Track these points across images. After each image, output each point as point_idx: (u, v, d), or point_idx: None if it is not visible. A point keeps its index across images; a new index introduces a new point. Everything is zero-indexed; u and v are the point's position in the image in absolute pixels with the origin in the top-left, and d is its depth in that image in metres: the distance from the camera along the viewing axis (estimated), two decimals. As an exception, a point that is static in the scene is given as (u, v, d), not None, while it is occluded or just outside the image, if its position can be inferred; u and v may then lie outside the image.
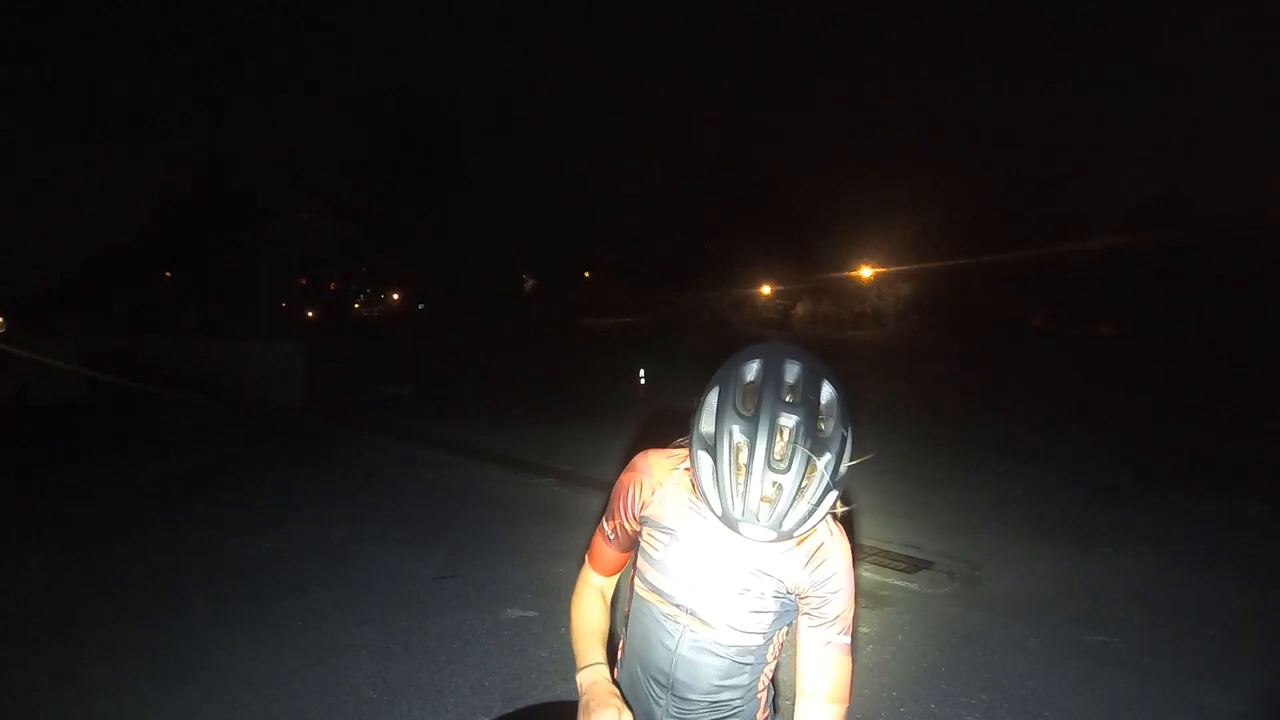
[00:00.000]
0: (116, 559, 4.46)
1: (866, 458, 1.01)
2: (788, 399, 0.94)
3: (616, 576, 1.35)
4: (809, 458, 0.92)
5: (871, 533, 4.95)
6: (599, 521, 1.31)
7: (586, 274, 39.09)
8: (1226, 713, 2.84)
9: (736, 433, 0.93)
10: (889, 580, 4.16)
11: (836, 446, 0.94)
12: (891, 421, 9.76)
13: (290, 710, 2.80)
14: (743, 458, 0.93)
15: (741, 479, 0.93)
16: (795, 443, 0.92)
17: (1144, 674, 3.11)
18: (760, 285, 36.13)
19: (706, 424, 0.97)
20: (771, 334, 30.91)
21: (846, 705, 1.11)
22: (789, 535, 0.94)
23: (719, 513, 0.95)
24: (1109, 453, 7.99)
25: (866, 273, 33.82)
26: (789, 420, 0.92)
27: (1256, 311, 24.70)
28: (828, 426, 0.95)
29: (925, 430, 9.29)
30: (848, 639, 1.11)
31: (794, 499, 0.92)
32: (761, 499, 0.92)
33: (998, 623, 3.63)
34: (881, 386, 13.66)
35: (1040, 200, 32.08)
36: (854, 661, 1.13)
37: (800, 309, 37.53)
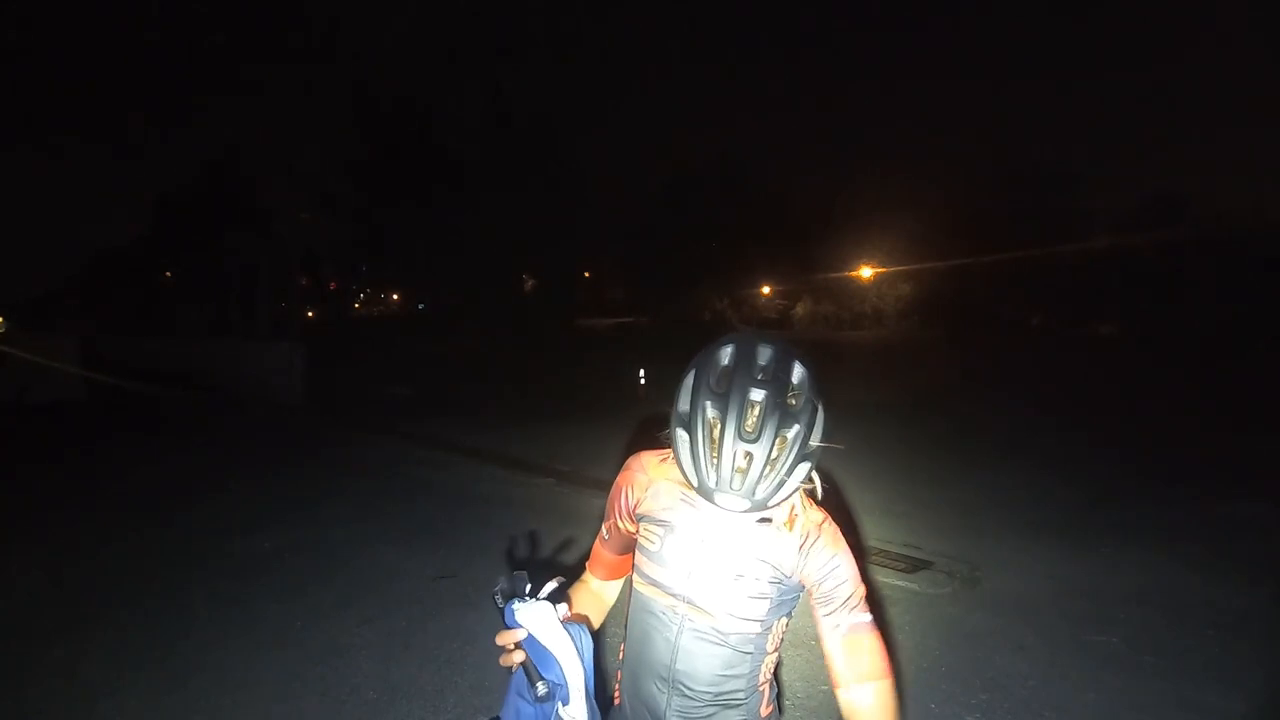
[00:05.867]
0: (116, 559, 4.46)
1: (839, 446, 1.05)
2: (759, 377, 1.00)
3: (614, 583, 1.36)
4: (778, 429, 0.98)
5: (871, 533, 4.95)
6: (598, 528, 1.33)
7: (586, 274, 39.08)
8: (1226, 713, 2.84)
9: (709, 408, 1.00)
10: (889, 580, 4.16)
11: (806, 419, 1.00)
12: (892, 421, 9.76)
13: (290, 710, 2.80)
14: (716, 432, 0.99)
15: (715, 451, 0.99)
16: (764, 415, 0.98)
17: (1144, 674, 3.11)
18: (760, 285, 36.14)
19: (683, 403, 1.04)
20: (769, 333, 30.88)
21: (889, 680, 1.10)
22: (763, 505, 1.00)
23: (695, 484, 1.02)
24: (1109, 453, 7.99)
25: (866, 273, 33.82)
26: (758, 395, 0.99)
27: (1256, 311, 24.70)
28: (798, 401, 1.01)
29: (925, 430, 9.29)
30: (867, 616, 1.12)
31: (764, 468, 0.98)
32: (735, 469, 0.98)
33: (998, 623, 3.62)
34: (882, 387, 13.66)
35: (1040, 200, 32.05)
36: (879, 638, 1.12)
37: (800, 309, 37.54)
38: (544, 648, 1.03)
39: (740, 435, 0.97)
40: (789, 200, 36.31)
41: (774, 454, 0.98)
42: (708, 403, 0.99)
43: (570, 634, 1.05)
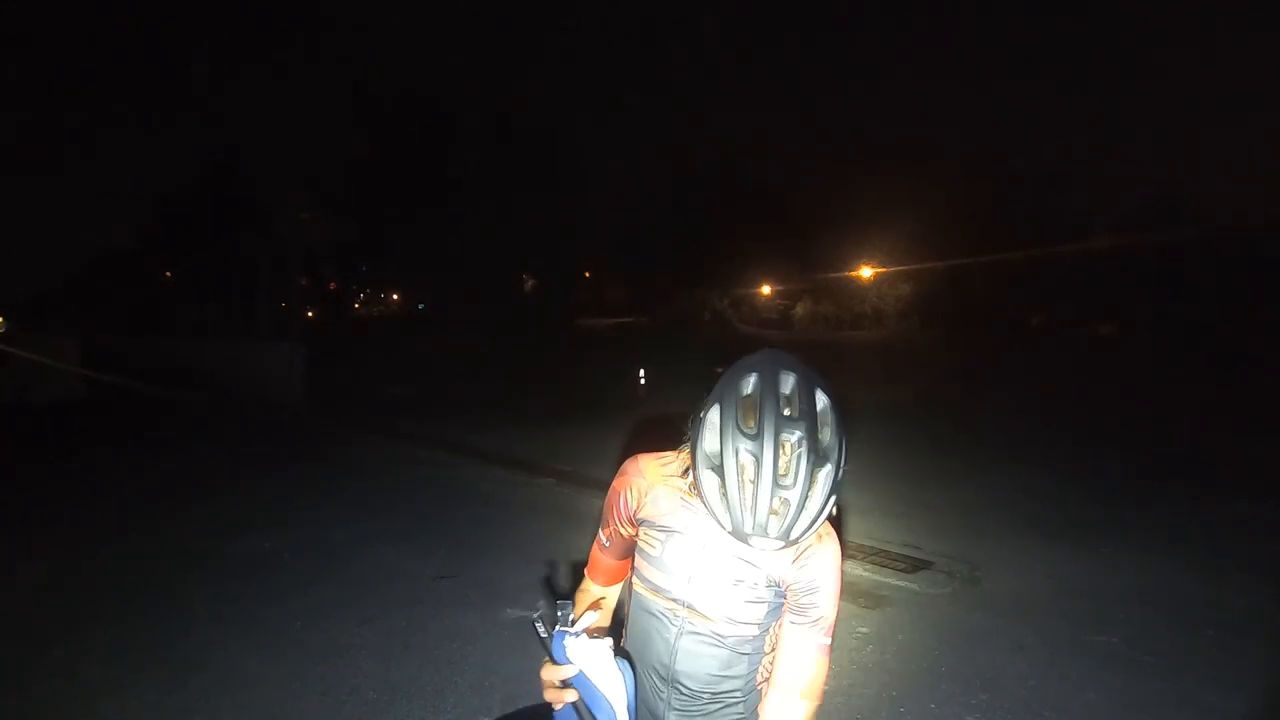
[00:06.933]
0: (116, 559, 4.46)
1: (850, 466, 1.03)
2: (787, 412, 0.97)
3: (616, 587, 1.35)
4: (812, 471, 0.95)
5: (871, 533, 4.95)
6: (595, 533, 1.32)
7: (586, 274, 39.09)
8: (1226, 713, 2.84)
9: (742, 451, 0.95)
10: (889, 580, 4.16)
11: (835, 456, 0.97)
12: (891, 422, 9.76)
13: (290, 710, 2.80)
14: (749, 475, 0.95)
15: (750, 495, 0.95)
16: (798, 457, 0.94)
17: (1144, 673, 3.11)
18: (760, 285, 36.15)
19: (710, 442, 0.99)
20: (770, 334, 30.91)
21: (818, 704, 1.12)
22: (796, 543, 0.98)
23: (729, 528, 0.98)
24: (1109, 453, 7.99)
25: (866, 273, 33.82)
26: (791, 435, 0.95)
27: (1257, 311, 24.70)
28: (825, 437, 0.97)
29: (925, 430, 9.29)
30: (828, 640, 1.13)
31: (800, 510, 0.95)
32: (770, 513, 0.95)
33: (998, 623, 3.62)
34: (882, 388, 13.66)
35: (1040, 200, 32.06)
36: (830, 664, 1.14)
37: (800, 309, 37.55)
38: (595, 688, 0.99)
39: (775, 481, 0.94)
40: (789, 200, 36.34)
41: (808, 494, 0.96)
42: (740, 445, 0.95)
43: (622, 674, 1.01)
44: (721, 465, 0.97)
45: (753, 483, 0.95)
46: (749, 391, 1.00)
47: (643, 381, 11.88)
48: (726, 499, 0.96)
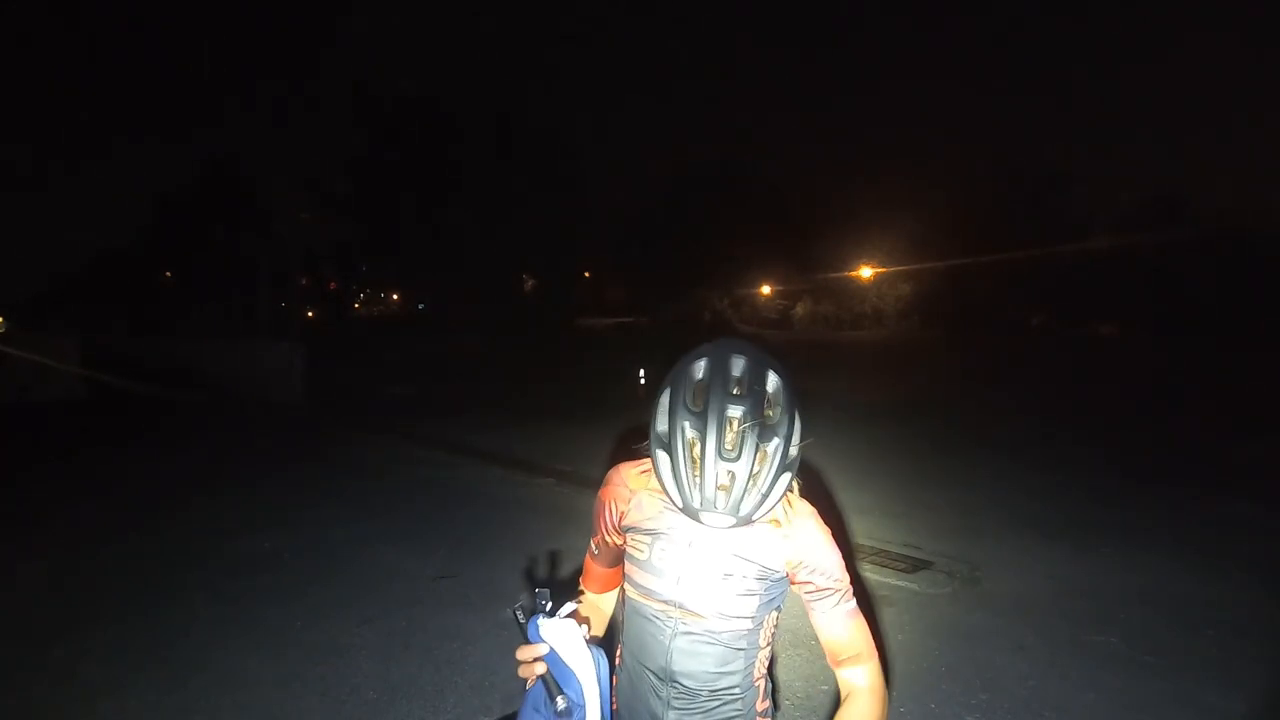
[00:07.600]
0: (117, 559, 4.46)
1: (809, 441, 1.04)
2: (735, 391, 1.00)
3: (610, 594, 1.38)
4: (757, 444, 0.98)
5: (871, 533, 4.95)
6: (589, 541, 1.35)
7: (586, 274, 39.09)
8: (1226, 713, 2.84)
9: (688, 428, 0.99)
10: (889, 580, 4.16)
11: (784, 431, 1.00)
12: (891, 422, 9.76)
13: (290, 710, 2.80)
14: (696, 451, 0.99)
15: (697, 471, 0.99)
16: (743, 432, 0.98)
17: (1144, 674, 3.11)
18: (760, 285, 36.15)
19: (661, 423, 1.03)
20: (770, 334, 30.92)
21: (875, 660, 1.16)
22: (748, 520, 1.00)
23: (680, 505, 1.02)
24: (1108, 453, 7.99)
25: (866, 273, 33.82)
26: (735, 411, 0.98)
27: (1256, 311, 24.70)
28: (774, 413, 1.00)
29: (925, 431, 9.29)
30: (852, 603, 1.16)
31: (748, 484, 0.98)
32: (717, 488, 0.98)
33: (998, 623, 3.62)
34: (882, 388, 13.66)
35: (1040, 200, 32.07)
36: (864, 621, 1.17)
37: (800, 309, 37.53)
38: (566, 665, 1.03)
39: (721, 454, 0.97)
40: (789, 200, 36.33)
41: (755, 469, 0.98)
42: (686, 423, 0.99)
43: (592, 655, 1.05)
44: (670, 443, 1.01)
45: (699, 458, 0.98)
46: (700, 376, 1.04)
47: (643, 381, 11.88)
48: (676, 476, 1.00)
